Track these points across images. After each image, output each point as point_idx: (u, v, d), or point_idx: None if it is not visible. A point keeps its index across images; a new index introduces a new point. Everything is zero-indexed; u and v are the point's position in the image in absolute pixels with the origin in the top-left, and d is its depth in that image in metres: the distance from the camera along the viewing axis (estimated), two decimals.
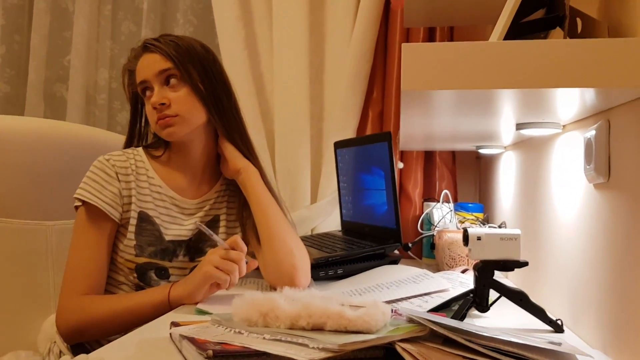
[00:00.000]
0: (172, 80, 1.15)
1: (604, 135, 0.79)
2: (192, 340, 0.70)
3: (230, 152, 1.22)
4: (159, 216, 1.18)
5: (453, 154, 1.82)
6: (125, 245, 1.15)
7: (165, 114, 1.14)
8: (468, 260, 1.33)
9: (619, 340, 0.75)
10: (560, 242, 0.98)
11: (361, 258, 1.34)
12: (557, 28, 0.77)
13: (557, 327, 0.89)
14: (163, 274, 1.18)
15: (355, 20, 1.73)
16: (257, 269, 1.22)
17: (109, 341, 0.87)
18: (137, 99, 1.24)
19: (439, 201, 1.56)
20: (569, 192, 0.94)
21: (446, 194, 1.55)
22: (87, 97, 2.14)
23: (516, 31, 0.74)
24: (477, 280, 0.92)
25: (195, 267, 1.17)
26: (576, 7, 0.80)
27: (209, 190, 1.25)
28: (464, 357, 0.64)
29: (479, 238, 0.90)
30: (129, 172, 1.16)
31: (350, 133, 1.76)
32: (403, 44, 0.65)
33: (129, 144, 1.26)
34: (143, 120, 1.27)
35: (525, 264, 0.90)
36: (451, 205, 1.53)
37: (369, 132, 1.78)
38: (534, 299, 0.90)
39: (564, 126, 0.97)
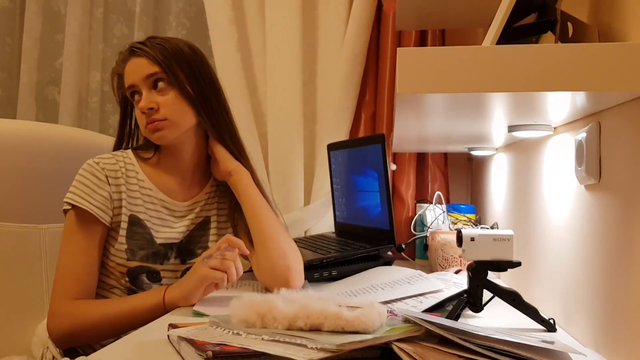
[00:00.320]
0: (160, 84, 1.14)
1: (595, 137, 0.81)
2: (191, 342, 0.70)
3: (221, 154, 1.21)
4: (150, 219, 1.18)
5: (445, 155, 1.83)
6: (116, 249, 1.14)
7: (154, 119, 1.13)
8: (461, 261, 1.34)
9: (610, 338, 0.76)
10: (552, 242, 1.00)
11: (355, 259, 1.35)
12: (549, 32, 0.79)
13: (550, 326, 0.90)
14: (155, 277, 1.18)
15: (348, 23, 1.74)
16: (251, 270, 1.22)
17: (102, 345, 0.86)
18: (126, 101, 1.23)
19: (431, 202, 1.58)
20: (560, 193, 0.96)
21: (439, 195, 1.56)
22: (79, 99, 2.14)
23: (508, 35, 0.75)
24: (471, 280, 0.93)
25: (187, 269, 1.17)
26: (567, 12, 0.81)
27: (199, 192, 1.25)
28: (459, 356, 0.65)
29: (472, 239, 0.91)
30: (119, 175, 1.16)
31: (343, 135, 1.77)
32: (399, 48, 0.66)
33: (118, 147, 1.25)
34: (133, 122, 1.26)
35: (518, 264, 0.91)
36: (444, 206, 1.54)
37: (361, 134, 1.79)
38: (526, 298, 0.91)
39: (555, 128, 0.98)
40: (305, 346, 0.65)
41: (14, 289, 1.24)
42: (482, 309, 0.93)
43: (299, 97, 1.77)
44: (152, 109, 1.13)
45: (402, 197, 1.78)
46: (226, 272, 1.03)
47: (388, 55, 1.75)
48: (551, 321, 0.90)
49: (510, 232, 0.92)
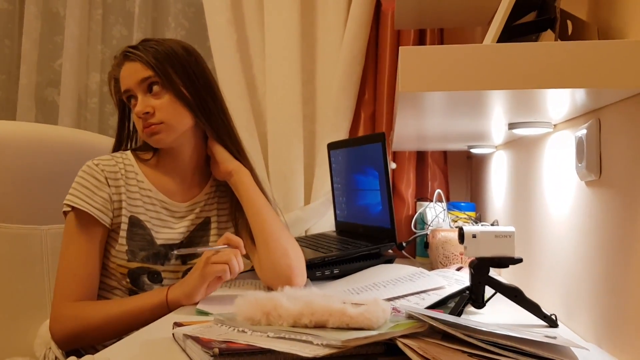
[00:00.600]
0: (155, 88, 1.13)
1: (595, 133, 0.82)
2: (197, 340, 0.70)
3: (221, 154, 1.21)
4: (150, 220, 1.18)
5: (445, 153, 1.84)
6: (117, 250, 1.15)
7: (150, 123, 1.13)
8: (462, 258, 1.35)
9: (612, 333, 0.77)
10: (553, 238, 1.00)
11: (357, 258, 1.36)
12: (548, 30, 0.79)
13: (552, 322, 0.91)
14: (156, 278, 1.18)
15: (347, 23, 1.74)
16: (253, 269, 1.23)
17: (105, 346, 0.86)
18: (124, 104, 1.22)
19: (431, 201, 1.58)
20: (561, 189, 0.97)
21: (439, 193, 1.57)
22: (78, 101, 2.14)
23: (509, 34, 0.76)
24: (473, 277, 0.94)
25: (188, 270, 1.17)
26: (566, 10, 0.82)
27: (199, 192, 1.25)
28: (462, 351, 0.66)
29: (474, 236, 0.92)
30: (119, 176, 1.16)
31: (342, 134, 1.77)
32: (401, 47, 0.67)
33: (117, 148, 1.25)
34: (131, 124, 1.25)
35: (520, 260, 0.92)
36: (444, 204, 1.55)
37: (361, 133, 1.80)
38: (527, 294, 0.92)
39: (555, 125, 0.99)
40: (311, 342, 0.66)
41: (15, 290, 1.24)
42: (484, 305, 0.94)
43: (298, 97, 1.77)
44: (147, 113, 1.13)
45: (402, 196, 1.79)
46: (227, 264, 1.03)
47: (387, 55, 1.75)
48: (553, 317, 0.91)
49: (511, 228, 0.92)
